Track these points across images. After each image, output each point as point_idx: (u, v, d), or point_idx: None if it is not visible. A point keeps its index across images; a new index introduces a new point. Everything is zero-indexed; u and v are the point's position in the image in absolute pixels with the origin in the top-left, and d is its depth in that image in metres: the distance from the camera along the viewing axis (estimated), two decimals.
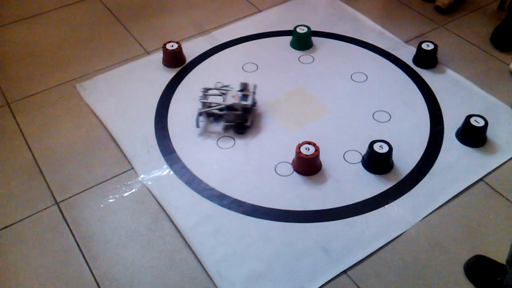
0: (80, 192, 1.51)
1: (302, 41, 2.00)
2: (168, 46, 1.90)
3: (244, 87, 1.68)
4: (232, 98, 1.64)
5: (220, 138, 1.65)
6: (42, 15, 2.24)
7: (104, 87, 1.86)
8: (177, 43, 1.92)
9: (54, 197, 1.51)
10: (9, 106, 1.81)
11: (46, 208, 1.48)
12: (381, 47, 2.01)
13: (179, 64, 1.93)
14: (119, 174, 1.56)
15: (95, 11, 2.26)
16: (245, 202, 1.47)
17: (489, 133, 1.63)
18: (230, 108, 1.63)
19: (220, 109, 1.64)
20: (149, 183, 1.53)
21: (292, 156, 1.57)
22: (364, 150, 1.57)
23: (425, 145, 1.62)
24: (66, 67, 1.96)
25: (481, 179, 1.52)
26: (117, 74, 1.92)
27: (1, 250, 1.38)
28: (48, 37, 2.11)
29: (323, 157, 1.56)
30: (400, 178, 1.52)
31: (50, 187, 1.53)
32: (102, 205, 1.48)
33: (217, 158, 1.60)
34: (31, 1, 2.32)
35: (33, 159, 1.62)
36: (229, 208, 1.45)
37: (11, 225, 1.44)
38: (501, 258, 1.19)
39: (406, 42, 2.03)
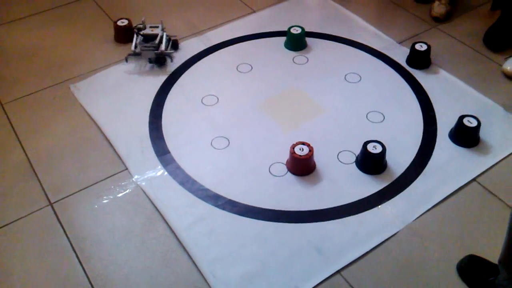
0: (74, 193, 1.51)
1: (296, 42, 2.00)
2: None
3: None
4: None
5: (214, 138, 1.65)
6: (36, 15, 2.23)
7: (98, 88, 1.86)
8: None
9: (48, 198, 1.50)
10: (2, 106, 1.80)
11: (40, 209, 1.47)
12: (374, 47, 2.02)
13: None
14: (113, 175, 1.56)
15: (89, 12, 2.25)
16: (239, 203, 1.47)
17: (482, 133, 1.64)
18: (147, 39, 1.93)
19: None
20: (143, 183, 1.53)
21: (286, 156, 1.58)
22: (357, 150, 1.57)
23: (418, 145, 1.63)
24: (60, 67, 1.95)
25: (474, 179, 1.53)
26: (111, 74, 1.92)
27: None
28: (42, 38, 2.10)
29: (317, 158, 1.57)
30: (394, 178, 1.53)
31: (44, 187, 1.53)
32: (96, 206, 1.48)
33: (211, 159, 1.60)
34: (25, 1, 2.31)
35: (26, 159, 1.61)
36: (223, 209, 1.45)
37: (4, 226, 1.43)
38: (494, 258, 1.20)
39: (399, 43, 2.04)
